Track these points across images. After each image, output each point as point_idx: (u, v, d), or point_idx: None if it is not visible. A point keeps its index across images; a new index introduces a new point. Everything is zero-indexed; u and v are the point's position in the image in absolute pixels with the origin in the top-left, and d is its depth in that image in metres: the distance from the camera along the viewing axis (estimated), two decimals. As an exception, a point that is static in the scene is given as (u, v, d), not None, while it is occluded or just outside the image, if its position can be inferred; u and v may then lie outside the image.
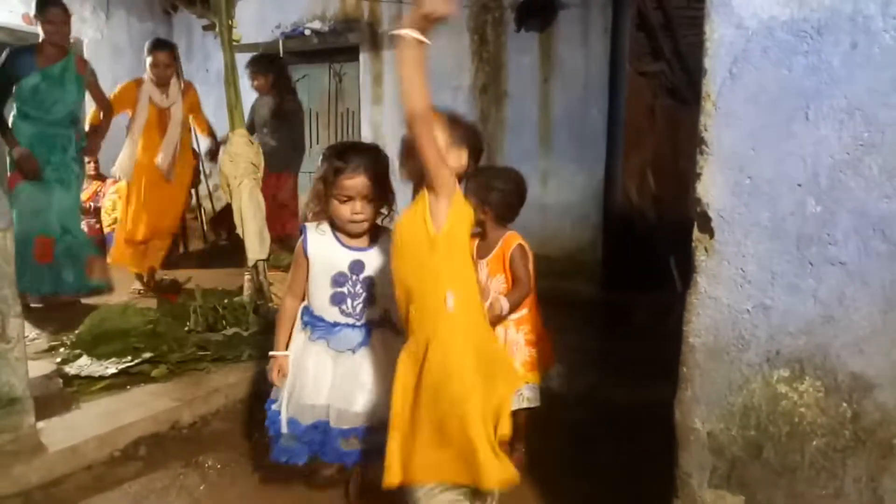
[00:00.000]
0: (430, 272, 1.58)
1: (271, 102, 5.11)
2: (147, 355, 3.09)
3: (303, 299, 2.01)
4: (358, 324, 1.93)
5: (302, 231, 1.94)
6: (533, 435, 2.44)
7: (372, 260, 1.91)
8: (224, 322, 3.58)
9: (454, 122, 1.67)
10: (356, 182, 1.80)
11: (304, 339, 1.97)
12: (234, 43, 3.83)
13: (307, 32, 6.35)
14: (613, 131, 5.19)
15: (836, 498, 1.38)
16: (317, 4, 6.40)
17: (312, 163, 5.10)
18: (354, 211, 1.82)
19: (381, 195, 1.87)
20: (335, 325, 1.92)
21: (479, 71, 5.63)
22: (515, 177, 2.36)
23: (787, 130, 1.35)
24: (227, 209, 4.94)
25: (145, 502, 2.21)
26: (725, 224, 1.42)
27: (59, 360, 3.08)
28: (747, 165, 1.38)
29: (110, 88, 4.49)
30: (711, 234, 1.43)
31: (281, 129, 5.11)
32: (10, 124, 3.87)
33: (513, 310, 2.24)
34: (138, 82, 4.48)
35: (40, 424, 2.38)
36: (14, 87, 3.85)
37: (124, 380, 2.94)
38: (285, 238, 4.92)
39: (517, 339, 2.31)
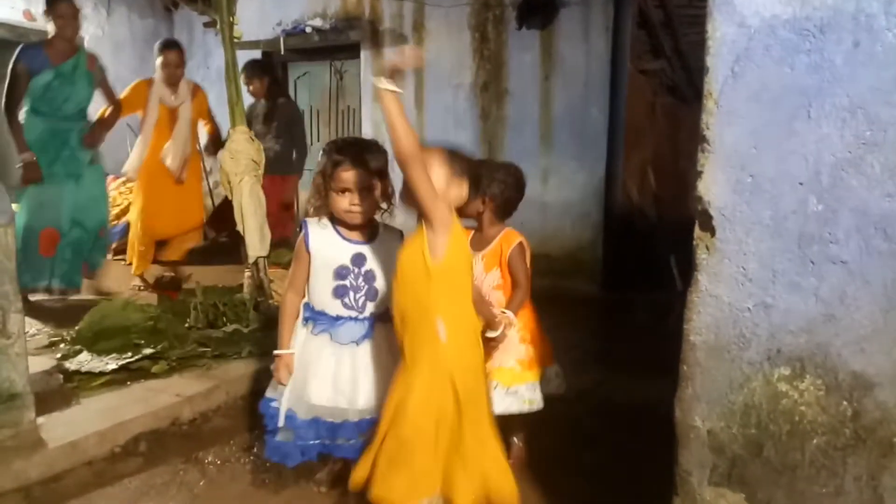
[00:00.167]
0: (424, 301, 1.66)
1: (266, 107, 5.12)
2: (147, 351, 3.10)
3: (303, 296, 2.01)
4: (360, 317, 1.95)
5: (303, 226, 1.95)
6: (532, 433, 2.45)
7: (373, 253, 1.94)
8: (224, 319, 3.58)
9: (453, 156, 1.74)
10: (353, 174, 1.85)
11: (306, 334, 1.98)
12: (236, 40, 3.83)
13: (308, 30, 6.34)
14: (614, 129, 5.19)
15: (836, 496, 1.38)
16: (318, 2, 6.40)
17: (313, 160, 5.11)
18: (352, 202, 1.86)
19: (380, 188, 1.91)
20: (338, 318, 1.94)
21: (480, 69, 5.63)
22: (515, 171, 2.36)
23: (788, 129, 1.34)
24: (224, 205, 4.96)
25: (145, 498, 2.21)
26: (727, 222, 1.42)
27: (59, 355, 3.08)
28: (749, 164, 1.38)
29: (111, 84, 4.49)
30: (713, 232, 1.43)
31: (283, 132, 5.11)
32: (22, 123, 3.89)
33: (517, 313, 2.24)
34: (148, 82, 4.51)
35: (40, 420, 2.38)
36: (26, 86, 3.87)
37: (125, 376, 2.94)
38: (286, 241, 4.93)
39: (512, 339, 2.27)
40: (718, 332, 1.45)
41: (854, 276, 1.32)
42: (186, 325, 3.50)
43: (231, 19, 3.73)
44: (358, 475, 1.73)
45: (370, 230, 1.97)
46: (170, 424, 2.68)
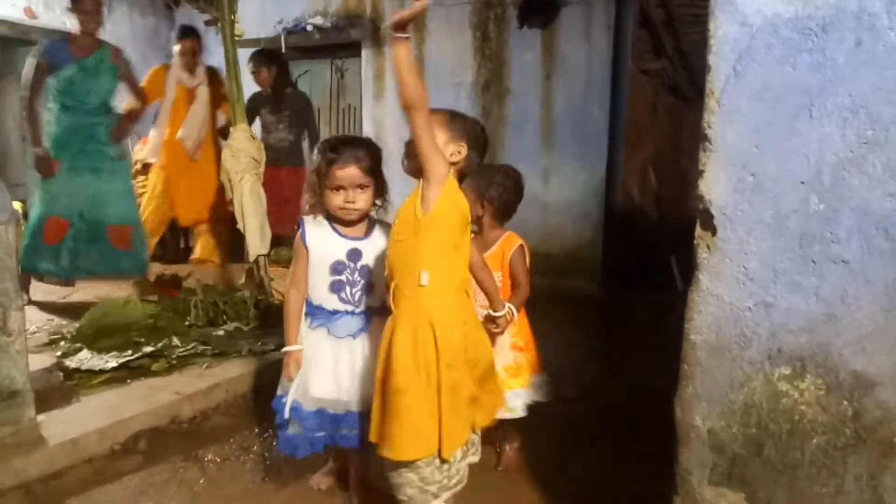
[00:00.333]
0: (410, 252, 1.68)
1: (274, 97, 5.10)
2: (148, 349, 3.10)
3: (305, 292, 2.04)
4: (357, 311, 1.98)
5: (300, 224, 1.99)
6: (532, 433, 2.44)
7: (369, 249, 1.98)
8: (225, 317, 3.58)
9: (454, 117, 1.77)
10: (347, 172, 1.89)
11: (305, 328, 2.01)
12: (236, 38, 3.83)
13: (309, 28, 6.34)
14: (615, 129, 5.18)
15: (836, 496, 1.38)
16: (319, 0, 6.40)
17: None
18: (347, 199, 1.91)
19: (374, 185, 1.95)
20: (335, 312, 1.97)
21: (481, 68, 5.62)
22: (514, 174, 2.36)
23: (790, 128, 1.34)
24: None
25: (145, 496, 2.21)
26: (728, 221, 1.41)
27: (59, 353, 3.08)
28: (750, 163, 1.38)
29: (135, 77, 4.56)
30: (714, 231, 1.43)
31: (296, 123, 5.11)
32: (43, 118, 3.96)
33: (518, 310, 2.23)
34: (166, 66, 4.66)
35: (41, 417, 2.38)
36: (49, 80, 3.94)
37: (125, 374, 2.94)
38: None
39: (503, 342, 2.26)
40: (719, 332, 1.45)
41: (855, 276, 1.32)
42: (187, 323, 3.50)
43: (232, 17, 3.74)
44: (372, 436, 1.73)
45: (366, 226, 2.01)
46: (170, 422, 2.68)
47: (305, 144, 5.29)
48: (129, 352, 3.07)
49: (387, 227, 2.03)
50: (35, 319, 3.68)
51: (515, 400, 2.27)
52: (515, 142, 5.47)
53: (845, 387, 1.35)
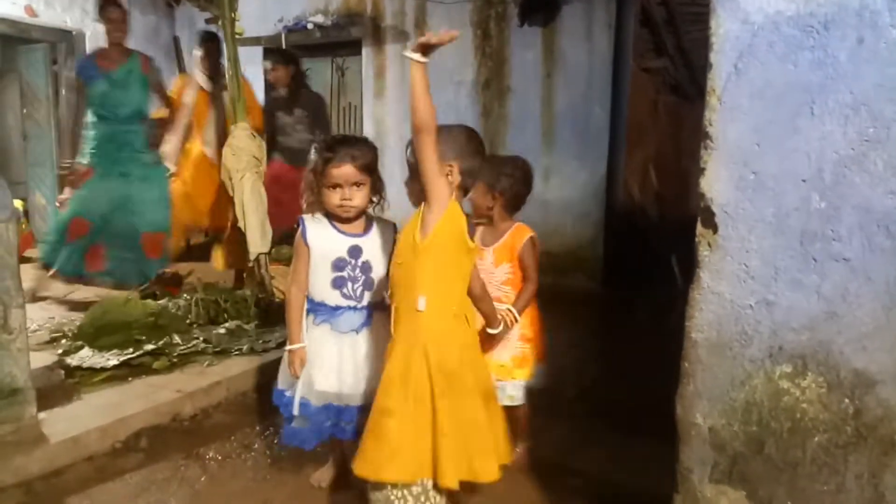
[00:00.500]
0: (410, 276, 1.69)
1: (290, 96, 5.07)
2: (149, 347, 3.10)
3: (306, 290, 2.06)
4: (359, 306, 2.01)
5: (300, 223, 2.02)
6: (532, 432, 2.45)
7: (368, 245, 2.01)
8: (226, 315, 3.59)
9: (438, 135, 1.74)
10: (344, 170, 1.93)
11: (308, 324, 2.04)
12: (237, 36, 3.83)
13: (310, 26, 6.34)
14: (616, 127, 5.18)
15: (837, 494, 1.38)
16: (319, -2, 6.40)
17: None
18: (343, 197, 1.94)
19: (370, 182, 1.98)
20: (337, 308, 2.00)
21: (481, 66, 5.62)
22: (523, 165, 2.36)
23: (792, 126, 1.34)
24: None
25: (146, 493, 2.22)
26: (729, 219, 1.41)
27: (60, 351, 3.08)
28: (752, 160, 1.38)
29: (164, 85, 4.62)
30: (715, 229, 1.43)
31: (313, 122, 5.07)
32: (85, 130, 4.16)
33: (523, 310, 2.24)
34: (187, 74, 4.76)
35: (42, 415, 2.38)
36: (83, 95, 4.17)
37: (126, 371, 2.94)
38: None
39: (512, 333, 2.27)
40: (720, 329, 1.45)
41: (856, 274, 1.32)
42: (188, 321, 3.50)
43: (232, 16, 3.73)
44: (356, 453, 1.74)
45: (365, 223, 2.04)
46: (171, 420, 2.68)
47: None
48: (131, 350, 3.07)
49: (385, 222, 2.08)
50: (36, 317, 3.68)
51: (516, 389, 2.30)
52: (516, 140, 5.47)
53: (846, 385, 1.35)
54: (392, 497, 1.67)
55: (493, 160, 2.36)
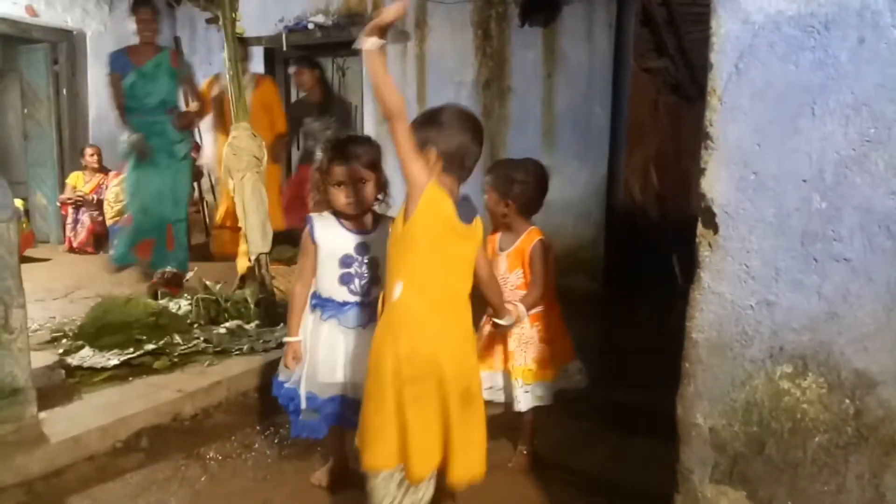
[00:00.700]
0: (392, 262, 1.70)
1: (320, 101, 5.07)
2: (149, 347, 3.10)
3: (311, 287, 2.11)
4: (366, 301, 2.04)
5: (308, 221, 2.06)
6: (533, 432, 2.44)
7: (375, 243, 2.05)
8: (226, 315, 3.59)
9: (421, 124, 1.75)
10: (347, 168, 1.99)
11: (315, 319, 2.08)
12: (238, 36, 3.83)
13: (310, 26, 6.33)
14: (617, 127, 5.17)
15: (837, 494, 1.38)
16: (320, -2, 6.40)
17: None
18: (348, 195, 2.00)
19: (374, 179, 2.03)
20: (344, 304, 2.05)
21: (482, 66, 5.62)
22: (536, 168, 2.34)
23: (792, 126, 1.34)
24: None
25: (146, 493, 2.22)
26: (730, 219, 1.41)
27: (61, 350, 3.09)
28: (752, 161, 1.38)
29: (195, 80, 4.72)
30: (715, 229, 1.43)
31: (342, 126, 5.06)
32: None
33: (530, 310, 2.24)
34: (218, 75, 4.82)
35: (42, 415, 2.38)
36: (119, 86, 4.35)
37: (126, 371, 2.94)
38: None
39: (532, 336, 2.29)
40: (721, 330, 1.45)
41: (857, 274, 1.31)
42: (188, 321, 3.50)
43: (233, 15, 3.73)
44: None
45: (371, 220, 2.09)
46: (171, 420, 2.68)
47: None
48: (131, 349, 3.07)
49: (391, 220, 2.08)
50: (37, 317, 3.69)
51: (544, 390, 2.31)
52: (516, 140, 5.46)
53: (847, 385, 1.35)
54: (375, 483, 1.67)
55: (505, 165, 2.37)
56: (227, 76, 3.75)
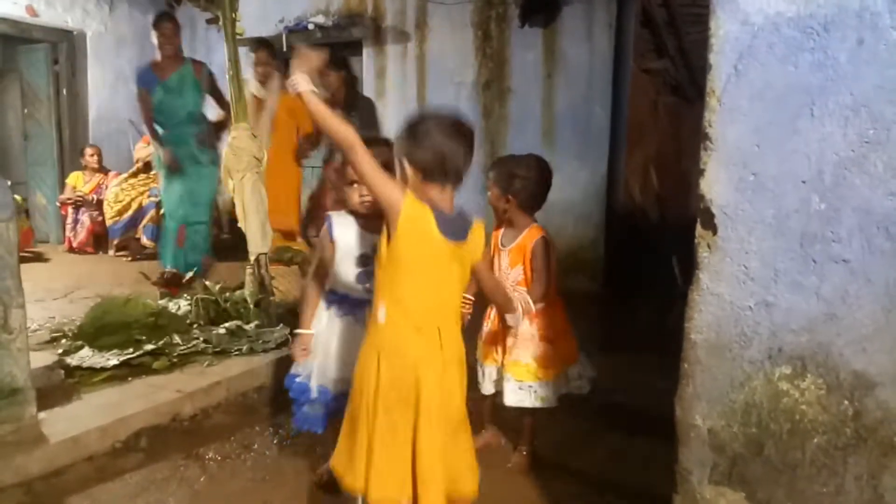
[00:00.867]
0: (378, 282, 1.68)
1: (345, 102, 5.04)
2: (149, 347, 3.10)
3: (325, 283, 2.14)
4: None
5: (327, 219, 2.09)
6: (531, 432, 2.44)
7: None
8: (226, 315, 3.58)
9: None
10: None
11: (331, 315, 2.11)
12: (238, 36, 3.83)
13: (310, 27, 6.34)
14: (616, 128, 5.18)
15: (836, 495, 1.38)
16: (320, -1, 6.40)
17: (318, 157, 5.11)
18: (362, 193, 1.99)
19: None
20: (362, 301, 2.06)
21: (482, 67, 5.62)
22: (537, 164, 2.33)
23: (791, 127, 1.34)
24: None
25: (146, 493, 2.22)
26: (729, 220, 1.41)
27: (61, 351, 3.08)
28: (751, 162, 1.38)
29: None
30: (714, 230, 1.43)
31: (365, 126, 5.02)
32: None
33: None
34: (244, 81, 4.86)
35: (42, 415, 2.38)
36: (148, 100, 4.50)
37: (126, 371, 2.94)
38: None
39: (532, 334, 2.29)
40: (720, 331, 1.45)
41: (856, 276, 1.31)
42: (188, 321, 3.50)
43: (233, 16, 3.73)
44: None
45: None
46: (171, 420, 2.68)
47: None
48: (131, 350, 3.07)
49: None
50: (36, 317, 3.69)
51: (546, 390, 2.30)
52: (516, 141, 5.47)
53: (846, 386, 1.35)
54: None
55: (507, 161, 2.38)
56: (227, 76, 3.75)
